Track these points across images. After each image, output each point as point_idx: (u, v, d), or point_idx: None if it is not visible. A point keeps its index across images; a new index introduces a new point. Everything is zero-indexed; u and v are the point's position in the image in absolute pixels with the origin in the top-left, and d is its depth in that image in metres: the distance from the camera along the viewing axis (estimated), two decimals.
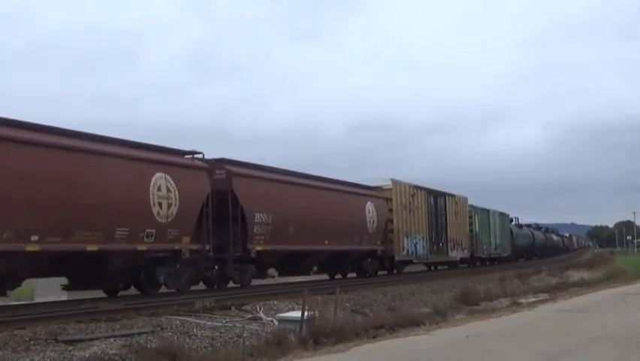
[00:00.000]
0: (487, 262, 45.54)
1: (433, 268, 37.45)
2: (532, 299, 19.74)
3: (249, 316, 12.82)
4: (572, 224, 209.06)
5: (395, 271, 29.99)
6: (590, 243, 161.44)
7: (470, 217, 40.64)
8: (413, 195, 30.98)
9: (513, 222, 57.95)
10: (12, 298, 17.30)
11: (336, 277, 27.20)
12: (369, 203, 27.24)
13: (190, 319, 11.92)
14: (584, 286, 25.27)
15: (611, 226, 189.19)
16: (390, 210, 28.83)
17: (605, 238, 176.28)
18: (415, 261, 31.61)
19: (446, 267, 37.50)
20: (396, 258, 29.17)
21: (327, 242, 23.95)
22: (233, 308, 13.37)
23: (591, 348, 10.30)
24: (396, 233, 29.07)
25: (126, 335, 10.05)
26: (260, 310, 13.23)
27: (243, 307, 13.53)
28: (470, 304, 17.60)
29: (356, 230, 26.16)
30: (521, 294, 20.97)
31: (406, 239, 29.92)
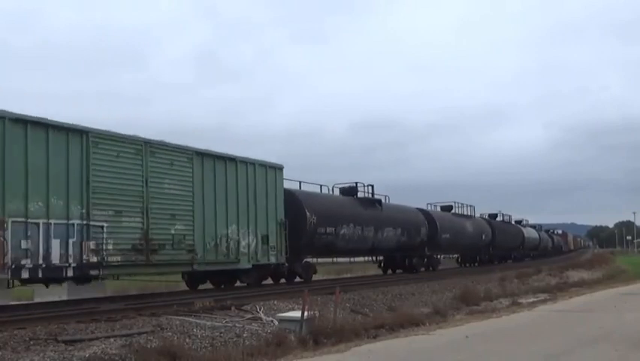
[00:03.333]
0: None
1: None
2: (532, 299, 19.75)
3: (249, 316, 12.82)
4: (572, 224, 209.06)
5: None
6: (590, 243, 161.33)
7: None
8: None
9: (368, 195, 27.66)
10: (12, 298, 17.26)
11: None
12: None
13: (190, 319, 11.92)
14: (583, 286, 25.29)
15: (611, 226, 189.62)
16: None
17: (605, 238, 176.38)
18: None
19: None
20: None
21: None
22: (233, 308, 13.37)
23: (591, 348, 10.30)
24: None
25: (126, 335, 10.05)
26: (260, 310, 13.24)
27: (243, 307, 13.53)
28: (470, 304, 17.61)
29: None
30: (521, 294, 20.99)
31: None
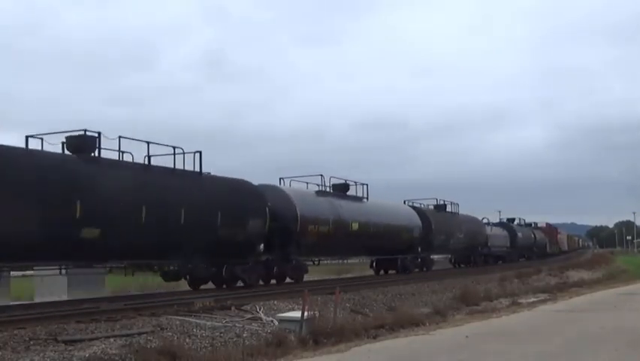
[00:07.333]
0: None
1: None
2: (532, 299, 19.75)
3: (249, 316, 12.82)
4: (572, 224, 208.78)
5: None
6: (590, 243, 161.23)
7: None
8: None
9: None
10: (12, 298, 17.26)
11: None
12: None
13: (190, 319, 11.92)
14: (584, 286, 25.30)
15: (611, 226, 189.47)
16: None
17: (605, 238, 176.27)
18: None
19: None
20: None
21: None
22: (233, 308, 13.36)
23: (591, 348, 10.30)
24: None
25: (126, 335, 10.05)
26: (260, 310, 13.23)
27: (243, 307, 13.52)
28: (470, 304, 17.60)
29: None
30: (521, 294, 20.99)
31: None
